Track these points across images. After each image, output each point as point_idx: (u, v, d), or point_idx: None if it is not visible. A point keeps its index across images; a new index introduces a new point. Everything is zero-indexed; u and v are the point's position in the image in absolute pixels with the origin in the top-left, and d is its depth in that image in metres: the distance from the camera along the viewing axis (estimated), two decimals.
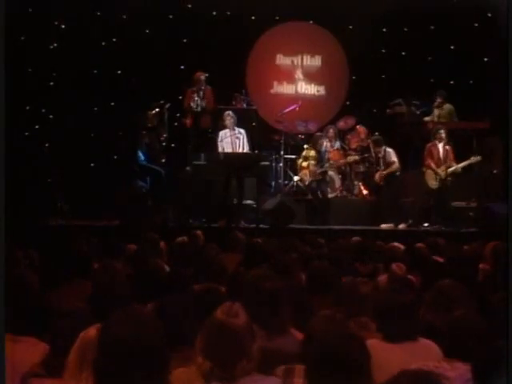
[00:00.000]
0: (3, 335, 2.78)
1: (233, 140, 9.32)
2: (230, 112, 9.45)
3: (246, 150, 9.37)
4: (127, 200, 8.87)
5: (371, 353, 2.17)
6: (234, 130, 9.36)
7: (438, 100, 10.08)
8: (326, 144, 9.94)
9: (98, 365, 2.00)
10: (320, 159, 9.85)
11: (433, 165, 9.08)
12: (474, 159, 9.12)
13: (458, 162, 9.13)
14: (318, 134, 10.24)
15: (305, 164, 9.92)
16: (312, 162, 9.84)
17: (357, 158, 10.08)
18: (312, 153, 9.93)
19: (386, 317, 2.97)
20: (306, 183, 9.85)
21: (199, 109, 9.41)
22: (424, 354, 2.82)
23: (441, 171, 9.01)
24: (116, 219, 8.66)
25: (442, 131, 9.16)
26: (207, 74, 9.53)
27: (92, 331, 2.39)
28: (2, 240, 3.30)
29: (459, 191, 9.36)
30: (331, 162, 9.96)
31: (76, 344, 2.38)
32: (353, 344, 2.13)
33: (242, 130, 9.41)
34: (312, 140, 10.14)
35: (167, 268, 4.59)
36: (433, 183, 9.11)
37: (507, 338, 2.42)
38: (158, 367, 1.96)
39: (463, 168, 9.15)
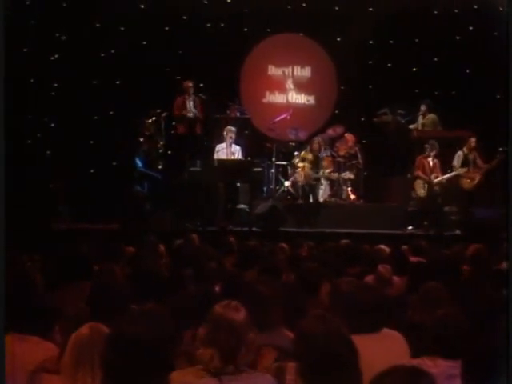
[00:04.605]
0: (3, 335, 2.80)
1: (228, 156, 9.68)
2: (232, 128, 9.75)
3: None
4: (126, 204, 9.14)
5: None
6: (231, 146, 9.69)
7: (423, 109, 10.34)
8: (321, 151, 10.20)
9: (108, 362, 2.07)
10: (316, 164, 10.07)
11: (422, 174, 9.48)
12: (460, 170, 9.52)
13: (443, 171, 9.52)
14: (317, 138, 10.45)
15: (301, 164, 10.02)
16: (308, 165, 9.99)
17: (351, 176, 10.26)
18: (310, 156, 10.09)
19: (352, 311, 3.00)
20: (299, 184, 9.96)
21: (188, 117, 9.61)
22: (389, 343, 2.92)
23: (430, 180, 9.42)
24: (115, 223, 8.89)
25: (435, 150, 9.48)
26: (194, 82, 9.76)
27: (84, 330, 2.42)
28: (2, 241, 3.29)
29: (445, 197, 9.70)
30: (326, 172, 10.12)
31: (69, 344, 2.39)
32: (341, 342, 2.22)
33: (238, 148, 9.74)
34: (310, 144, 10.31)
35: (165, 270, 4.75)
36: (421, 191, 9.51)
37: (508, 337, 2.49)
38: (164, 366, 2.05)
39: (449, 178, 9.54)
